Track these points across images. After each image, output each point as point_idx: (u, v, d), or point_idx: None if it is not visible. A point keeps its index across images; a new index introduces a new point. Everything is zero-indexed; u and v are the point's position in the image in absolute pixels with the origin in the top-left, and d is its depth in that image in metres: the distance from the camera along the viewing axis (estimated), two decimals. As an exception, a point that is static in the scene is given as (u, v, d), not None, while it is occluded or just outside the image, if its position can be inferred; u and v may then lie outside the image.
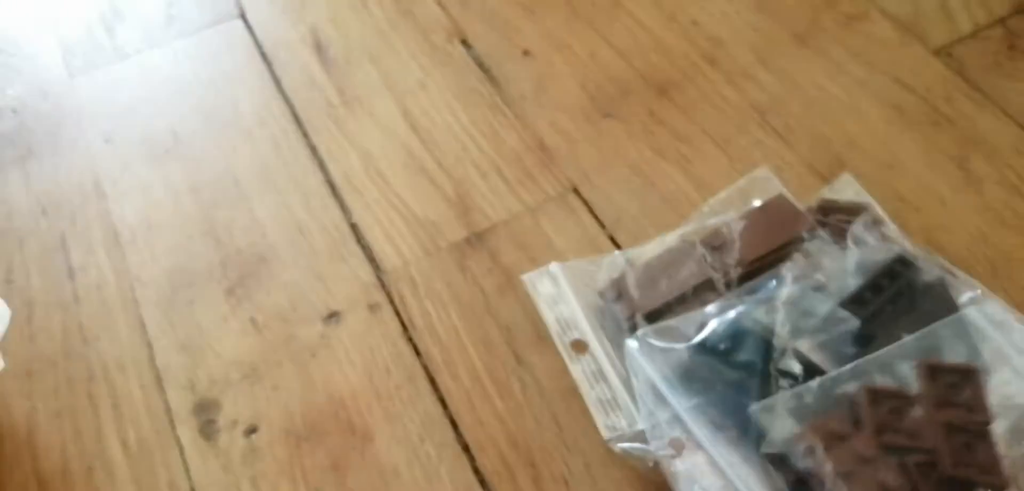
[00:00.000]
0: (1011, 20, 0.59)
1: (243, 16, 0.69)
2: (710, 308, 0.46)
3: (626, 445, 0.44)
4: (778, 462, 0.40)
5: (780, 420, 0.40)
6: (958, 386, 0.39)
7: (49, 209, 0.60)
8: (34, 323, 0.53)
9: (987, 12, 0.60)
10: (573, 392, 0.46)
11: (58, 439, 0.48)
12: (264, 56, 0.67)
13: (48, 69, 0.70)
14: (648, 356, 0.45)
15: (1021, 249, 0.49)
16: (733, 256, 0.48)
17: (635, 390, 0.45)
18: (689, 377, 0.44)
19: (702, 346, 0.44)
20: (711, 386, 0.43)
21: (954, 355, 0.41)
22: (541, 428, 0.46)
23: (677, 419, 0.43)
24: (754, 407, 0.40)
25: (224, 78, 0.66)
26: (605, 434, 0.44)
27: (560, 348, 0.48)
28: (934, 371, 0.40)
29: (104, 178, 0.61)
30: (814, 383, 0.41)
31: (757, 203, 0.50)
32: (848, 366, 0.41)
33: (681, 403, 0.44)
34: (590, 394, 0.46)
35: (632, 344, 0.46)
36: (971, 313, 0.43)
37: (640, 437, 0.44)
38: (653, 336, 0.45)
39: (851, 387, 0.41)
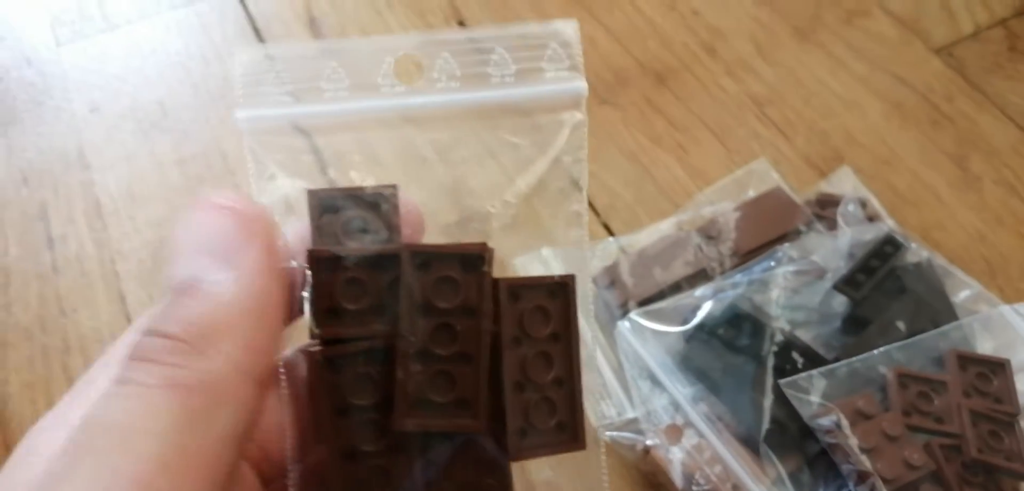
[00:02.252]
0: (1012, 21, 0.58)
1: (236, -10, 0.69)
2: (703, 291, 0.45)
3: (615, 434, 0.43)
4: (784, 444, 0.40)
5: (809, 398, 0.40)
6: (987, 377, 0.40)
7: (31, 178, 0.59)
8: (10, 292, 0.51)
9: (989, 13, 0.59)
10: (562, 379, 0.45)
11: (30, 411, 0.47)
12: (256, 29, 0.65)
13: (35, 37, 0.68)
14: (640, 339, 0.44)
15: (1018, 249, 0.48)
16: (728, 246, 0.48)
17: (627, 374, 0.44)
18: (684, 362, 0.44)
19: (697, 330, 0.44)
20: (706, 371, 0.43)
21: (983, 347, 0.41)
22: (529, 414, 0.45)
23: (674, 405, 0.43)
24: (784, 382, 0.40)
25: (215, 51, 0.65)
26: (594, 422, 0.43)
27: (550, 334, 0.47)
28: (965, 361, 0.40)
29: (88, 148, 0.60)
30: (843, 364, 0.40)
31: (753, 194, 0.49)
32: (878, 350, 0.40)
33: (677, 388, 0.43)
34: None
35: (624, 326, 0.45)
36: (1006, 312, 0.43)
37: (630, 426, 0.43)
38: (645, 319, 0.45)
39: (880, 370, 0.40)
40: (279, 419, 0.24)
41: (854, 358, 0.40)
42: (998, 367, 0.40)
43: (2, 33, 0.69)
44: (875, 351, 0.39)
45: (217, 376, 0.21)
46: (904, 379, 0.39)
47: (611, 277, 0.49)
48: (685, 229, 0.49)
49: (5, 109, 0.62)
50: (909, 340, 0.40)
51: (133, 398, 0.20)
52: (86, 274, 0.53)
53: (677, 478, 0.40)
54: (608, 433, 0.43)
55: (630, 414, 0.44)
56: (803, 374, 0.40)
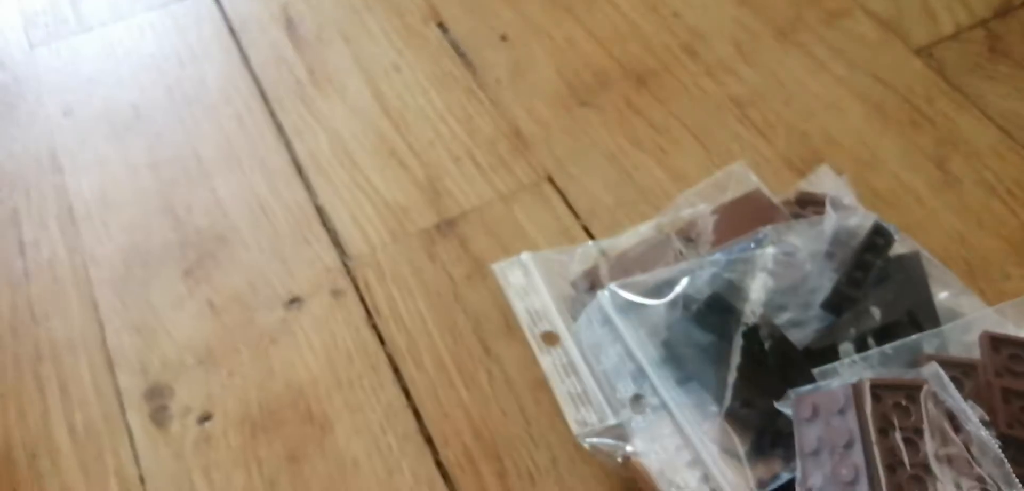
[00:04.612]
0: (992, 22, 0.58)
1: (212, -10, 0.68)
2: (683, 266, 0.45)
3: (595, 440, 0.43)
4: (745, 421, 0.40)
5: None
6: (1020, 358, 0.40)
7: (2, 183, 0.58)
8: (-20, 299, 0.51)
9: (969, 13, 0.59)
10: (542, 385, 0.45)
11: (1, 421, 0.46)
12: (232, 31, 0.64)
13: (7, 39, 0.67)
14: (618, 310, 0.45)
15: (997, 249, 0.48)
16: (707, 249, 0.47)
17: (597, 342, 0.44)
18: (655, 333, 0.44)
19: (672, 305, 0.44)
20: (677, 344, 0.43)
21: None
22: (508, 421, 0.44)
23: (641, 374, 0.43)
24: (816, 371, 0.40)
25: (190, 53, 0.64)
26: (575, 429, 0.43)
27: (530, 339, 0.46)
28: (997, 342, 0.40)
29: (61, 152, 0.59)
30: (874, 352, 0.40)
31: (732, 196, 0.49)
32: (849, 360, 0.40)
33: (646, 358, 0.43)
34: (560, 387, 0.45)
35: (603, 295, 0.45)
36: (988, 315, 0.43)
37: (610, 432, 0.42)
38: (624, 289, 0.45)
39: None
40: None
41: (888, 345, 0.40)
42: None
43: (-27, 35, 0.68)
44: (847, 360, 0.39)
45: None
46: (996, 343, 0.39)
47: (591, 281, 0.48)
48: (665, 232, 0.48)
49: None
50: (888, 346, 0.40)
51: None
52: (58, 280, 0.52)
53: (657, 483, 0.40)
54: (588, 439, 0.43)
55: (611, 420, 0.43)
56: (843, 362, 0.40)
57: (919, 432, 0.36)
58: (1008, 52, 0.56)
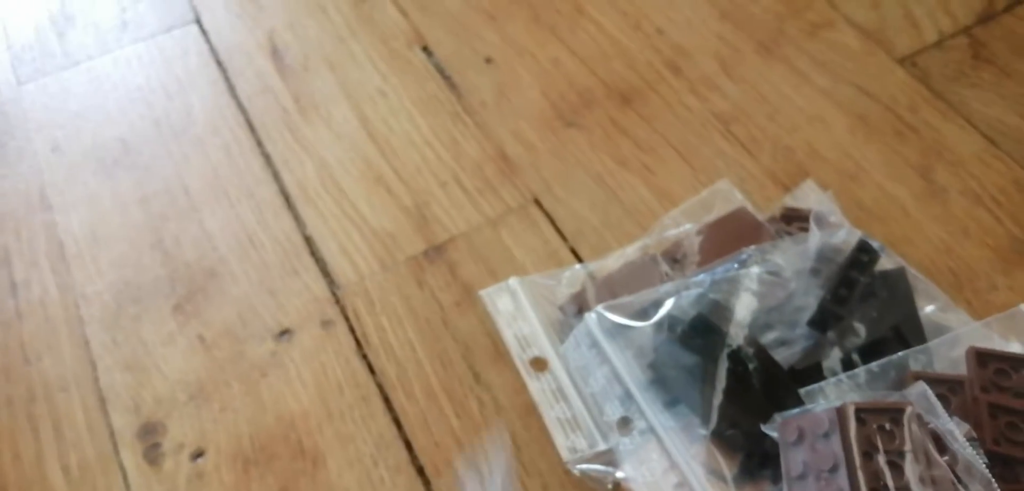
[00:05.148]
0: (976, 29, 0.58)
1: (198, 21, 0.67)
2: (669, 287, 0.45)
3: (585, 466, 0.43)
4: (731, 442, 0.40)
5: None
6: (1007, 373, 0.40)
7: (-7, 220, 0.58)
8: (-28, 342, 0.51)
9: (952, 21, 0.59)
10: (532, 411, 0.45)
11: (-5, 464, 0.46)
12: (219, 62, 0.65)
13: (-3, 75, 0.68)
14: (605, 332, 0.45)
15: (983, 259, 0.48)
16: (693, 269, 0.48)
17: (584, 365, 0.45)
18: (641, 356, 0.44)
19: (658, 326, 0.44)
20: (664, 366, 0.43)
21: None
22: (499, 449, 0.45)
23: (628, 397, 0.43)
24: (803, 392, 0.40)
25: (177, 85, 0.64)
26: (565, 455, 0.43)
27: (519, 366, 0.46)
28: (983, 358, 0.40)
29: (50, 189, 0.59)
30: (861, 370, 0.40)
31: (717, 215, 0.49)
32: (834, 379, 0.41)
33: (633, 381, 0.44)
34: (549, 413, 0.45)
35: (590, 317, 0.45)
36: (975, 330, 0.43)
37: (600, 458, 0.43)
38: (610, 312, 0.45)
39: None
40: None
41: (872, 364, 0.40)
42: (1018, 363, 0.40)
43: (-38, 73, 0.68)
44: (833, 380, 0.39)
45: None
46: (983, 358, 0.40)
47: (579, 305, 0.48)
48: (651, 253, 0.49)
49: (-34, 151, 0.62)
50: (874, 363, 0.40)
51: None
52: (49, 319, 0.53)
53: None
54: (578, 466, 0.43)
55: (600, 446, 0.43)
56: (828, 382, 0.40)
57: (903, 455, 0.36)
58: (991, 59, 0.56)
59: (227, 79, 0.63)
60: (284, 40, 0.65)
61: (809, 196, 0.49)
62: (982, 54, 0.56)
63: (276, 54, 0.64)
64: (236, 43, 0.65)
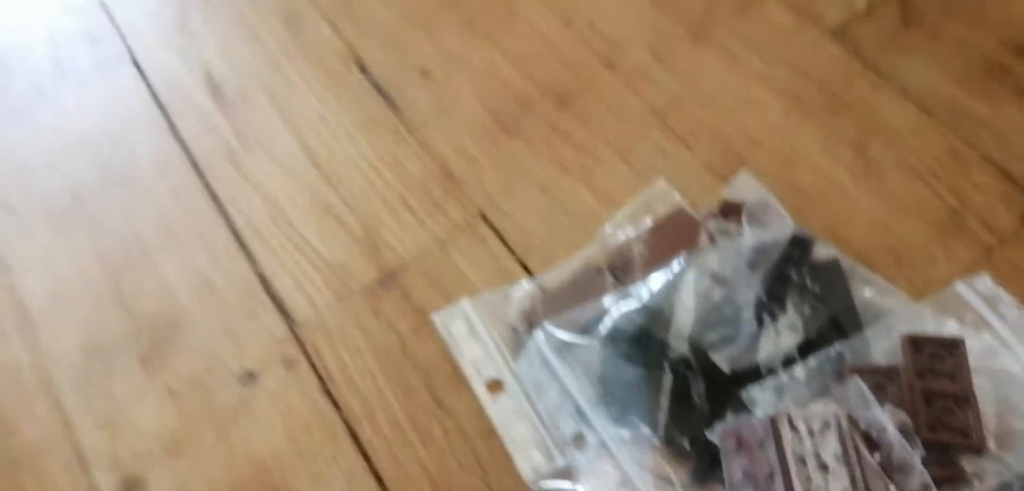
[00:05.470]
0: (903, -11, 0.58)
1: (134, 60, 0.67)
2: (609, 299, 0.47)
3: (547, 484, 0.45)
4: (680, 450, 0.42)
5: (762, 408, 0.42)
6: (941, 357, 0.41)
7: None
8: (-54, 419, 0.52)
9: (881, -16, 0.59)
10: (493, 432, 0.46)
11: (-16, 537, 0.48)
12: (158, 101, 0.64)
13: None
14: (553, 349, 0.47)
15: (922, 234, 0.49)
16: (638, 275, 0.49)
17: (537, 382, 0.46)
18: (589, 370, 0.46)
19: (602, 340, 0.46)
20: (611, 380, 0.45)
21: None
22: (464, 472, 0.46)
23: (580, 412, 0.45)
24: (744, 394, 0.42)
25: (120, 128, 0.63)
26: (527, 475, 0.45)
27: (476, 389, 0.48)
28: (918, 343, 0.42)
29: (7, 250, 0.59)
30: (799, 368, 0.42)
31: (657, 218, 0.50)
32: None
33: (583, 396, 0.45)
34: (508, 434, 0.47)
35: (538, 337, 0.47)
36: (960, 288, 0.44)
37: (559, 475, 0.44)
38: (557, 328, 0.47)
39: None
40: None
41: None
42: (952, 346, 0.41)
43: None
44: (771, 382, 0.41)
45: None
46: (917, 344, 0.41)
47: (529, 321, 0.50)
48: (595, 263, 0.50)
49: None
50: (812, 358, 0.42)
51: None
52: (22, 385, 0.53)
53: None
54: (540, 484, 0.45)
55: (559, 463, 0.45)
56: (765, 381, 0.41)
57: (837, 458, 0.38)
58: (921, 22, 0.56)
59: (168, 119, 0.63)
60: (220, 72, 0.64)
61: (746, 187, 0.50)
62: (912, 19, 0.57)
63: (214, 88, 0.64)
64: (173, 79, 0.65)
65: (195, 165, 0.61)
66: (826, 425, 0.38)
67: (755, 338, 0.45)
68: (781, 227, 0.46)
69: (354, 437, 0.48)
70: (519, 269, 0.52)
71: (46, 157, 0.63)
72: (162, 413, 0.51)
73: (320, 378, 0.51)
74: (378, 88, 0.62)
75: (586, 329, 0.46)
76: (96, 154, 0.63)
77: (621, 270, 0.49)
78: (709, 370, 0.43)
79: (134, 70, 0.66)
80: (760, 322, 0.44)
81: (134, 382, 0.52)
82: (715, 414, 0.42)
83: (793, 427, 0.38)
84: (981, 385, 0.41)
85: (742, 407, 0.42)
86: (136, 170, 0.61)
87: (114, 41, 0.67)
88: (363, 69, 0.63)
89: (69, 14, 0.69)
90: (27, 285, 0.57)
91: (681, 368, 0.43)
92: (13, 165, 0.63)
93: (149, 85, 0.65)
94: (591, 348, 0.46)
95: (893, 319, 0.44)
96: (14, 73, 0.67)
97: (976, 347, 0.42)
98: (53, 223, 0.60)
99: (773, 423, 0.38)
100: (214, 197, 0.59)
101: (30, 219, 0.61)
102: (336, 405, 0.50)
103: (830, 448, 0.37)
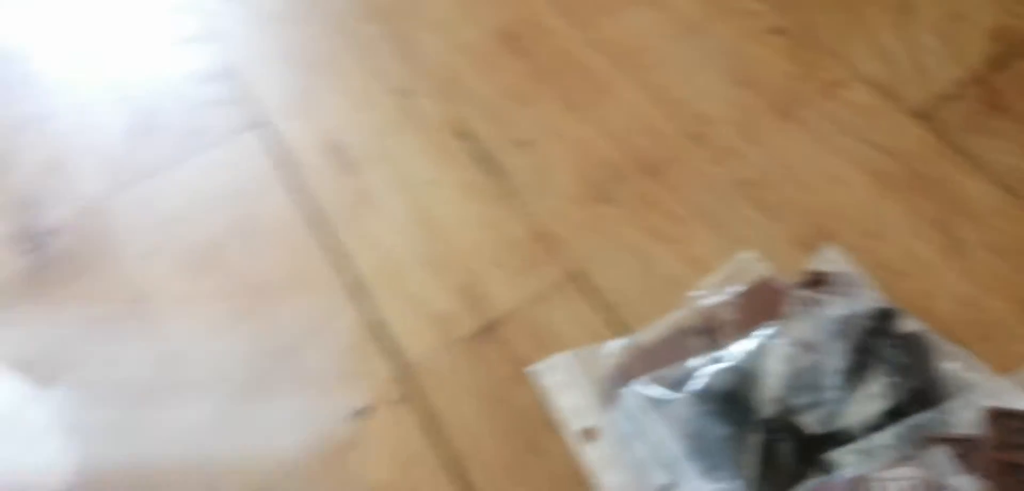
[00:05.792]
0: (987, 74, 0.60)
1: (263, 123, 0.74)
2: (699, 359, 0.50)
3: (636, 529, 0.48)
4: None
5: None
6: (1022, 430, 0.43)
7: (98, 331, 0.65)
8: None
9: (963, 68, 0.61)
10: (586, 479, 0.50)
11: None
12: (284, 162, 0.71)
13: (89, 187, 0.75)
14: (645, 404, 0.50)
15: (1007, 312, 0.51)
16: (727, 339, 0.52)
17: (629, 434, 0.49)
18: (679, 426, 0.49)
19: (693, 398, 0.49)
20: (700, 436, 0.48)
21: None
22: (558, 514, 0.50)
23: (669, 464, 0.48)
24: (828, 456, 0.44)
25: (251, 185, 0.70)
26: (617, 520, 0.48)
27: (571, 436, 0.52)
28: (1000, 416, 0.43)
29: (152, 290, 0.66)
30: (884, 434, 0.44)
31: (746, 286, 0.53)
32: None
33: (673, 450, 0.48)
34: (600, 481, 0.50)
35: (631, 391, 0.50)
36: (994, 387, 0.46)
37: (649, 521, 0.47)
38: (649, 385, 0.50)
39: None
40: None
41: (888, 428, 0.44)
42: None
43: (62, 187, 0.75)
44: (857, 445, 0.43)
45: None
46: (999, 416, 0.42)
47: (622, 376, 0.53)
48: (685, 325, 0.53)
49: (71, 262, 0.69)
50: (897, 426, 0.44)
51: None
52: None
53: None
54: (630, 529, 0.48)
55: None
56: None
57: None
58: (1008, 107, 0.58)
59: (293, 177, 0.70)
60: (341, 137, 0.71)
61: (831, 260, 0.53)
62: (998, 103, 0.58)
63: (335, 150, 0.70)
64: (298, 143, 0.72)
65: (318, 219, 0.67)
66: (913, 487, 0.40)
67: (840, 405, 0.47)
68: (867, 299, 0.49)
69: (457, 473, 0.52)
70: (610, 328, 0.56)
71: (184, 213, 0.71)
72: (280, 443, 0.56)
73: (426, 417, 0.55)
74: (482, 156, 0.67)
75: (677, 386, 0.50)
76: (228, 210, 0.69)
77: (710, 333, 0.52)
78: (796, 432, 0.46)
79: (263, 132, 0.73)
80: (845, 389, 0.46)
81: (261, 411, 0.58)
82: (801, 474, 0.45)
83: (879, 488, 0.40)
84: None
85: (827, 469, 0.45)
86: (263, 222, 0.68)
87: (246, 106, 0.75)
88: (468, 139, 0.69)
89: (207, 82, 0.77)
90: (167, 328, 0.64)
91: (769, 429, 0.46)
92: (154, 218, 0.71)
93: (277, 146, 0.72)
94: (682, 404, 0.49)
95: (976, 392, 0.46)
96: (154, 133, 0.76)
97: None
98: (189, 270, 0.67)
99: (858, 484, 0.41)
100: (334, 249, 0.65)
101: (168, 266, 0.68)
102: (440, 444, 0.54)
103: (913, 509, 0.39)
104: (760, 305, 0.51)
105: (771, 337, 0.48)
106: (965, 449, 0.43)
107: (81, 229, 0.70)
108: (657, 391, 0.50)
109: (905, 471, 0.40)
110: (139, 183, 0.73)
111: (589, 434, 0.52)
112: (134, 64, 0.79)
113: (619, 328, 0.55)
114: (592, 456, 0.51)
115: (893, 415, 0.45)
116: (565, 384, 0.54)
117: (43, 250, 0.68)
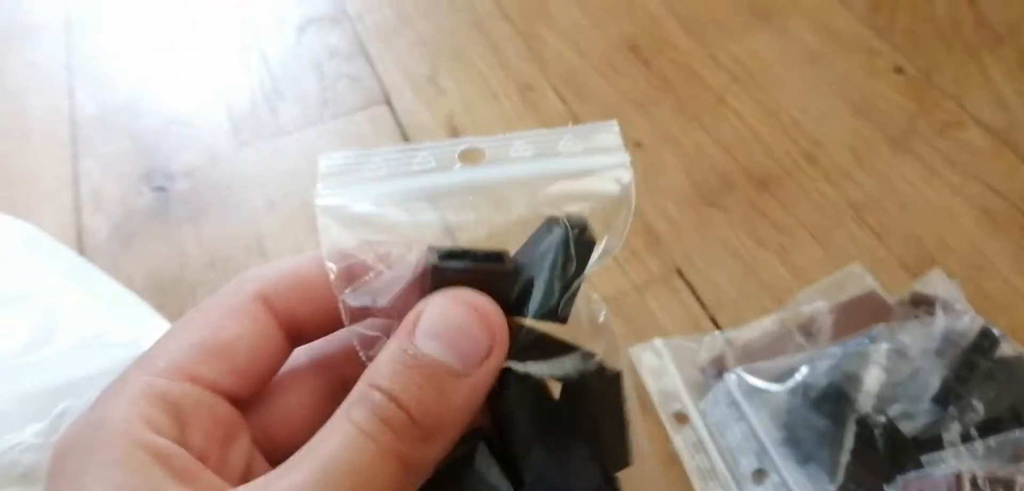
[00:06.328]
0: (1107, 131, 0.61)
1: (388, 102, 0.79)
2: (803, 357, 0.51)
3: (723, 510, 0.49)
4: None
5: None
6: None
7: (218, 262, 0.70)
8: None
9: (1082, 123, 0.62)
10: (674, 460, 0.51)
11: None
12: (406, 138, 0.76)
13: (217, 139, 0.81)
14: (743, 392, 0.51)
15: (1110, 354, 0.51)
16: (825, 343, 0.53)
17: (723, 421, 0.50)
18: (776, 416, 0.50)
19: (793, 391, 0.50)
20: (797, 427, 0.49)
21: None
22: (648, 486, 0.51)
23: (763, 452, 0.49)
24: (925, 457, 0.45)
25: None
26: (702, 500, 0.49)
27: (663, 418, 0.53)
28: None
29: (267, 239, 0.71)
30: (978, 444, 0.45)
31: (850, 296, 0.54)
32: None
33: (768, 438, 0.50)
34: (690, 463, 0.52)
35: (730, 378, 0.52)
36: None
37: (735, 503, 0.49)
38: (749, 374, 0.52)
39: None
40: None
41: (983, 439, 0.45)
42: None
43: (192, 135, 0.82)
44: (952, 450, 0.44)
45: (427, 464, 0.26)
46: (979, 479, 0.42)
47: (718, 367, 0.55)
48: (786, 326, 0.54)
49: (195, 202, 0.74)
50: (991, 439, 0.45)
51: (368, 453, 0.24)
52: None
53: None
54: (716, 513, 0.49)
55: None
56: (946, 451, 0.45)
57: None
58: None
59: (411, 151, 0.74)
60: (462, 122, 0.75)
61: (936, 283, 0.54)
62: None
63: (456, 134, 0.74)
64: (421, 123, 0.76)
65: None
66: (1008, 487, 0.41)
67: (935, 415, 0.48)
68: (971, 320, 0.50)
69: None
70: (708, 322, 0.58)
71: (307, 170, 0.75)
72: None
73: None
74: (595, 152, 0.70)
75: (776, 379, 0.51)
76: (347, 173, 0.74)
77: (811, 336, 0.53)
78: (891, 433, 0.47)
79: (388, 111, 0.78)
80: (945, 399, 0.47)
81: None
82: (893, 473, 0.46)
83: (975, 485, 0.41)
84: None
85: (920, 470, 0.45)
86: (380, 190, 0.72)
87: (373, 84, 0.80)
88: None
89: (337, 58, 0.82)
90: (279, 268, 0.68)
91: (866, 426, 0.47)
92: (278, 172, 0.76)
93: (400, 124, 0.77)
94: (780, 395, 0.50)
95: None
96: (286, 98, 0.81)
97: None
98: (308, 222, 0.71)
99: (957, 479, 0.41)
100: (446, 228, 0.68)
101: (288, 216, 0.72)
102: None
103: (1013, 511, 0.40)
104: (864, 316, 0.53)
105: (874, 341, 0.49)
106: None
107: (205, 176, 0.76)
108: (756, 381, 0.52)
109: (1006, 469, 0.41)
110: (265, 141, 0.78)
111: (680, 418, 0.53)
112: (267, 36, 0.85)
113: (716, 324, 0.57)
114: (682, 439, 0.52)
115: (987, 429, 0.46)
116: (660, 369, 0.56)
117: (167, 190, 0.73)
